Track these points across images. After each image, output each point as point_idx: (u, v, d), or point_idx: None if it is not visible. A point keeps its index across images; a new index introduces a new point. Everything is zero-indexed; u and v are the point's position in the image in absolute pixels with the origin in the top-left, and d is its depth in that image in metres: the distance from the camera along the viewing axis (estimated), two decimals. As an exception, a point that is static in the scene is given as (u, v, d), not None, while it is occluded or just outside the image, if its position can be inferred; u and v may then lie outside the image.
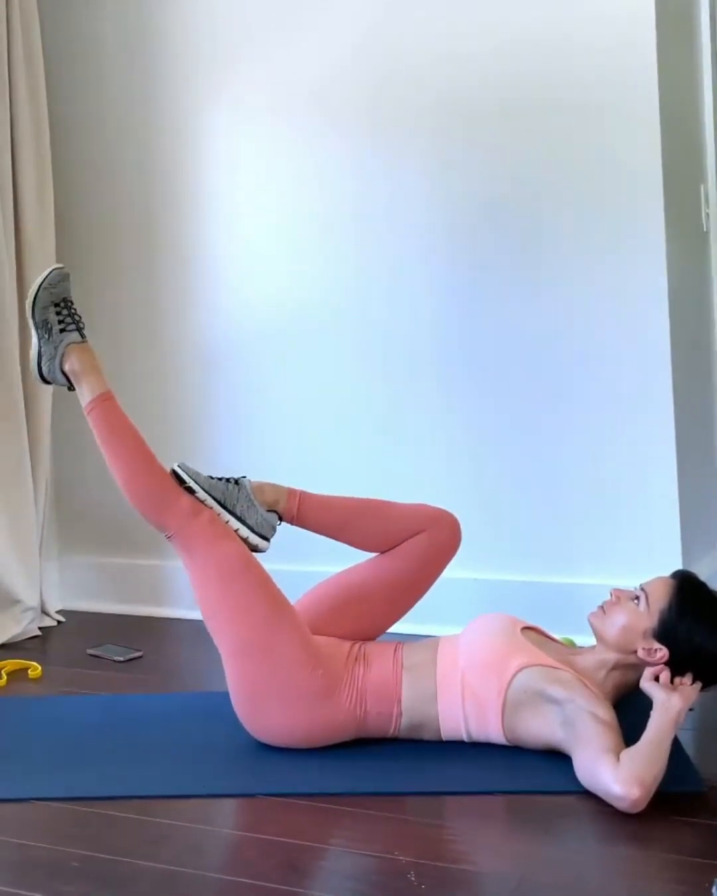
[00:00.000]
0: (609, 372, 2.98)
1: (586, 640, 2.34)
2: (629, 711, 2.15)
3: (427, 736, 2.27)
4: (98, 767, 2.26)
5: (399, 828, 1.96)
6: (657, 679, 2.12)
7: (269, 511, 2.43)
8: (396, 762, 2.21)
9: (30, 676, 2.93)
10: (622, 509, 2.98)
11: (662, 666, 2.14)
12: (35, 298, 2.47)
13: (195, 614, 2.36)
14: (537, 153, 3.02)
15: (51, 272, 2.49)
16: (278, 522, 2.45)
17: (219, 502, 2.38)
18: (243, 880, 1.78)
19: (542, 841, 1.90)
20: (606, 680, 2.22)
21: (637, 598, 2.23)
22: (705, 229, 3.49)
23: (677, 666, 2.14)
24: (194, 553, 2.34)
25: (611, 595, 2.28)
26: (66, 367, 2.47)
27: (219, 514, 2.37)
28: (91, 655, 3.10)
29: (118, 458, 2.40)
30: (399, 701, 2.24)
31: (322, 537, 2.52)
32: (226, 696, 2.32)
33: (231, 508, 2.39)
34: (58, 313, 2.48)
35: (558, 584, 3.01)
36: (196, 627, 2.36)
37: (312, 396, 3.34)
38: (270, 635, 2.25)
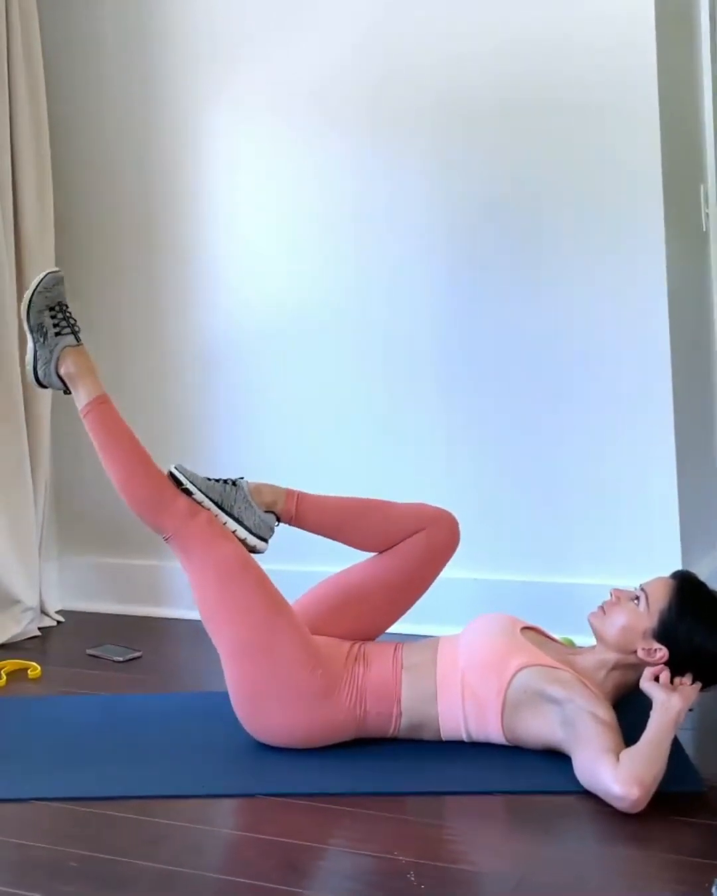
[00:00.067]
0: (609, 372, 2.98)
1: (585, 640, 2.34)
2: (629, 711, 2.15)
3: (427, 736, 2.27)
4: (97, 767, 2.26)
5: (399, 828, 1.96)
6: (656, 679, 2.12)
7: (267, 512, 2.42)
8: (395, 762, 2.21)
9: (29, 676, 2.93)
10: (622, 509, 2.98)
11: (662, 666, 2.14)
12: (30, 302, 2.47)
13: (195, 614, 2.36)
14: (537, 153, 3.02)
15: (45, 276, 2.49)
16: (277, 523, 2.45)
17: (216, 504, 2.38)
18: (242, 880, 1.78)
19: (542, 841, 1.90)
20: (606, 680, 2.21)
21: (637, 598, 2.23)
22: (704, 229, 3.49)
23: (676, 666, 2.14)
24: (192, 554, 2.34)
25: (611, 595, 2.28)
26: (62, 371, 2.47)
27: (216, 516, 2.37)
28: (90, 655, 3.10)
29: (115, 461, 2.40)
30: (399, 701, 2.24)
31: (321, 537, 2.52)
32: (225, 696, 2.32)
33: (229, 510, 2.38)
34: (53, 317, 2.48)
35: (557, 584, 3.01)
36: (195, 628, 2.36)
37: (312, 396, 3.34)
38: (269, 635, 2.25)
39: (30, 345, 2.48)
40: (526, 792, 2.07)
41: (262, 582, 2.31)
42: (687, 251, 3.25)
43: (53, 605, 3.55)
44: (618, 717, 2.10)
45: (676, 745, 2.10)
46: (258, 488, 2.44)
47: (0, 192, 3.35)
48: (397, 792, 2.10)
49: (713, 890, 1.65)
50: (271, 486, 2.46)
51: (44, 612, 3.48)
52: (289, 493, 2.46)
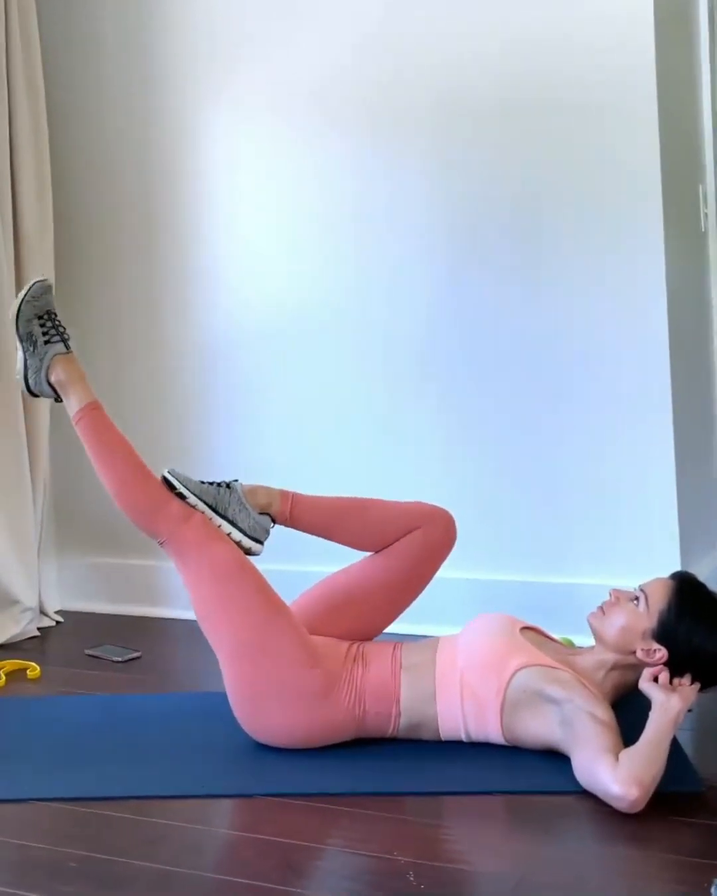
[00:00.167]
0: (609, 372, 2.98)
1: (585, 640, 2.34)
2: (628, 712, 2.14)
3: (426, 736, 2.27)
4: (97, 768, 2.26)
5: (398, 828, 1.96)
6: (656, 680, 2.12)
7: (262, 514, 2.42)
8: (394, 762, 2.21)
9: (28, 677, 2.92)
10: (621, 509, 2.98)
11: (661, 667, 2.14)
12: (18, 312, 2.47)
13: (193, 615, 2.36)
14: (537, 153, 3.02)
15: (33, 285, 2.49)
16: (272, 525, 2.45)
17: (210, 507, 2.38)
18: (241, 880, 1.78)
19: (541, 841, 1.90)
20: (605, 680, 2.21)
21: (637, 598, 2.23)
22: (703, 229, 3.49)
23: (676, 667, 2.14)
24: (187, 557, 2.33)
25: (610, 595, 2.28)
26: (53, 379, 2.47)
27: (211, 519, 2.37)
28: (89, 656, 3.10)
29: (108, 468, 2.40)
30: (398, 701, 2.24)
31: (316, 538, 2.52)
32: (224, 696, 2.32)
33: (223, 512, 2.38)
34: (42, 325, 2.48)
35: (556, 585, 3.01)
36: (194, 628, 2.36)
37: (312, 396, 3.34)
38: (267, 636, 2.25)
39: (19, 354, 2.49)
40: (525, 792, 2.07)
41: (258, 583, 2.31)
42: (686, 251, 3.25)
43: (52, 606, 3.55)
44: (617, 717, 2.10)
45: (675, 746, 2.10)
46: (252, 490, 2.44)
47: (-1, 191, 3.36)
48: (396, 792, 2.10)
49: (713, 890, 1.65)
50: (266, 488, 2.46)
51: (43, 613, 3.48)
52: (283, 495, 2.46)
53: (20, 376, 2.49)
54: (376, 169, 3.22)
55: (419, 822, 1.98)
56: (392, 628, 2.53)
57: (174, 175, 3.51)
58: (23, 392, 2.53)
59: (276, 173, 3.36)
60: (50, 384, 2.48)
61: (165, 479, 2.40)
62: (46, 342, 2.47)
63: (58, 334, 2.48)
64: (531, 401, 3.07)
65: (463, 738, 2.25)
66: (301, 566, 2.95)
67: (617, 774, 1.93)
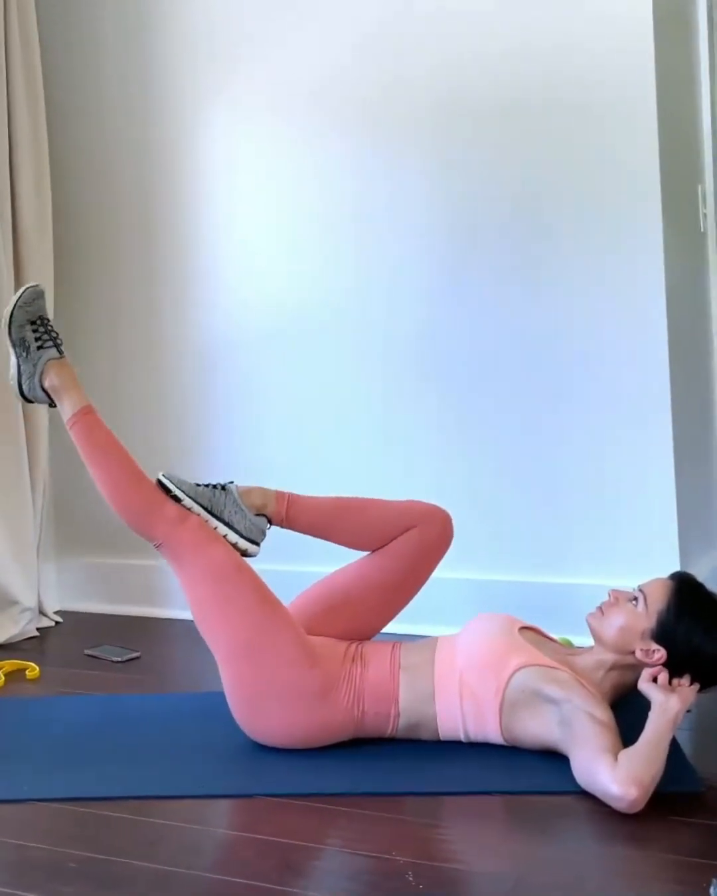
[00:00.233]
0: (609, 372, 2.98)
1: (584, 640, 2.34)
2: (627, 712, 2.14)
3: (425, 736, 2.27)
4: (96, 768, 2.26)
5: (396, 828, 1.96)
6: (655, 680, 2.12)
7: (258, 515, 2.42)
8: (393, 762, 2.21)
9: (27, 677, 2.92)
10: (620, 510, 2.98)
11: (660, 667, 2.14)
12: (11, 318, 2.47)
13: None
14: (537, 153, 3.02)
15: (25, 291, 2.49)
16: (268, 526, 2.45)
17: (206, 509, 2.38)
18: (240, 881, 1.78)
19: (540, 841, 1.90)
20: (604, 680, 2.21)
21: (635, 599, 2.23)
22: (702, 229, 3.49)
23: (675, 667, 2.14)
24: (183, 560, 2.33)
25: (609, 596, 2.28)
26: (46, 384, 2.47)
27: (207, 521, 2.37)
28: (88, 656, 3.10)
29: (102, 472, 2.41)
30: (397, 701, 2.24)
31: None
32: (223, 696, 2.32)
33: (218, 514, 2.38)
34: (34, 331, 2.48)
35: (556, 585, 3.01)
36: (193, 628, 2.36)
37: (312, 396, 3.34)
38: (265, 636, 2.25)
39: (12, 360, 2.49)
40: (524, 792, 2.07)
41: (255, 583, 2.31)
42: (685, 251, 3.25)
43: (51, 606, 3.55)
44: (616, 717, 2.10)
45: (674, 746, 2.09)
46: (248, 491, 2.44)
47: (-2, 192, 3.36)
48: (394, 792, 2.10)
49: (712, 890, 1.65)
50: (261, 489, 2.46)
51: (42, 613, 3.48)
52: (279, 495, 2.46)
53: (14, 382, 2.49)
54: (375, 169, 3.23)
55: (418, 823, 1.98)
56: (392, 628, 2.53)
57: (174, 175, 3.51)
58: (16, 399, 2.53)
59: (275, 173, 3.37)
60: (44, 389, 2.48)
61: (160, 483, 2.40)
62: (39, 347, 2.47)
63: (50, 339, 2.48)
64: (531, 401, 3.07)
65: (462, 738, 2.25)
66: (298, 566, 2.96)
67: (616, 774, 1.93)
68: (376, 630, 2.48)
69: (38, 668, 2.95)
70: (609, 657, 2.22)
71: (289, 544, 2.67)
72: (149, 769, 2.24)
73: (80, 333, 3.67)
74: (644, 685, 2.11)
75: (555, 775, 2.09)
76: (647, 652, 2.17)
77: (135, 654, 3.07)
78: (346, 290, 3.28)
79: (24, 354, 2.46)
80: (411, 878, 1.75)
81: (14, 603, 3.34)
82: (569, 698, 2.10)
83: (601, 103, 2.94)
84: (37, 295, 2.49)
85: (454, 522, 2.50)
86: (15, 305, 2.47)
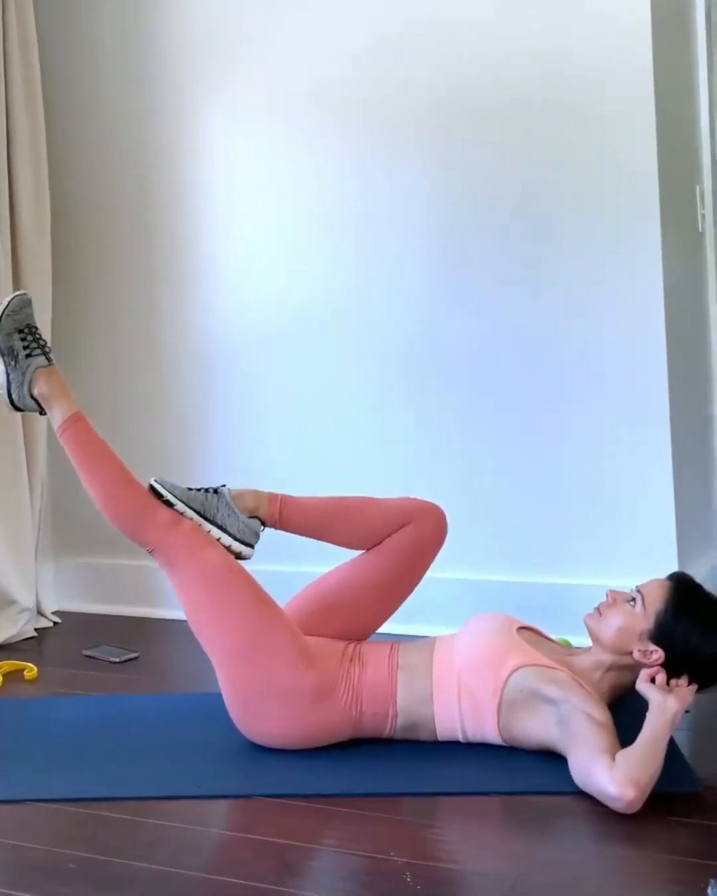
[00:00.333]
0: (609, 372, 2.98)
1: (582, 641, 2.34)
2: (625, 712, 2.14)
3: (423, 736, 2.27)
4: (94, 768, 2.26)
5: (394, 828, 1.96)
6: (652, 680, 2.12)
7: (251, 517, 2.42)
8: (391, 763, 2.21)
9: (26, 677, 2.92)
10: (619, 510, 2.98)
11: (658, 667, 2.14)
12: None
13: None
14: (537, 154, 3.02)
15: (12, 299, 2.49)
16: (262, 528, 2.44)
17: (199, 513, 2.38)
18: (238, 881, 1.78)
19: (537, 841, 1.89)
20: (601, 681, 2.21)
21: (633, 599, 2.23)
22: (700, 230, 3.49)
23: (673, 668, 2.14)
24: (176, 565, 2.33)
25: (607, 596, 2.28)
26: (36, 392, 2.47)
27: (200, 525, 2.37)
28: (87, 656, 3.10)
29: (93, 479, 2.41)
30: (395, 701, 2.24)
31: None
32: (221, 697, 2.32)
33: (212, 518, 2.38)
34: (22, 339, 2.47)
35: (554, 585, 3.01)
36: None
37: (312, 396, 3.34)
38: (261, 638, 2.25)
39: (1, 369, 2.48)
40: (522, 792, 2.07)
41: (250, 585, 2.31)
42: (683, 250, 3.25)
43: (50, 606, 3.55)
44: (614, 718, 2.10)
45: (672, 746, 2.09)
46: (240, 494, 2.44)
47: (-3, 193, 3.36)
48: (392, 793, 2.10)
49: (710, 890, 1.65)
50: (254, 491, 2.46)
51: (40, 613, 3.48)
52: (271, 497, 2.45)
53: (3, 391, 2.49)
54: (376, 169, 3.23)
55: (416, 823, 1.98)
56: (391, 629, 2.53)
57: (173, 175, 3.51)
58: (6, 407, 2.52)
59: (275, 173, 3.37)
60: (33, 397, 2.48)
61: (152, 488, 2.40)
62: (28, 356, 2.47)
63: (39, 347, 2.49)
64: (530, 401, 3.07)
65: (460, 738, 2.25)
66: (293, 567, 2.96)
67: (614, 775, 1.93)
68: (373, 629, 2.48)
69: (36, 669, 2.95)
70: (607, 658, 2.22)
71: (283, 545, 2.67)
72: (147, 770, 2.24)
73: (79, 334, 3.67)
74: (642, 686, 2.11)
75: (553, 775, 2.09)
76: (645, 652, 2.17)
77: (133, 655, 3.07)
78: (346, 290, 3.28)
79: (13, 363, 2.46)
80: (408, 879, 1.75)
81: (12, 603, 3.34)
82: (567, 698, 2.10)
83: (600, 104, 2.94)
84: (24, 303, 2.49)
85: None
86: (2, 314, 2.46)
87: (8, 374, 2.47)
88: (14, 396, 2.48)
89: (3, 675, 2.91)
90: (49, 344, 2.53)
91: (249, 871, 1.81)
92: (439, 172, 3.15)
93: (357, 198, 3.26)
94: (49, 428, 3.49)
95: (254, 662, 2.24)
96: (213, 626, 2.28)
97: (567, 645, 2.50)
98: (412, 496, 2.52)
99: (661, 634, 2.16)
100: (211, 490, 2.42)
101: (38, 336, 2.50)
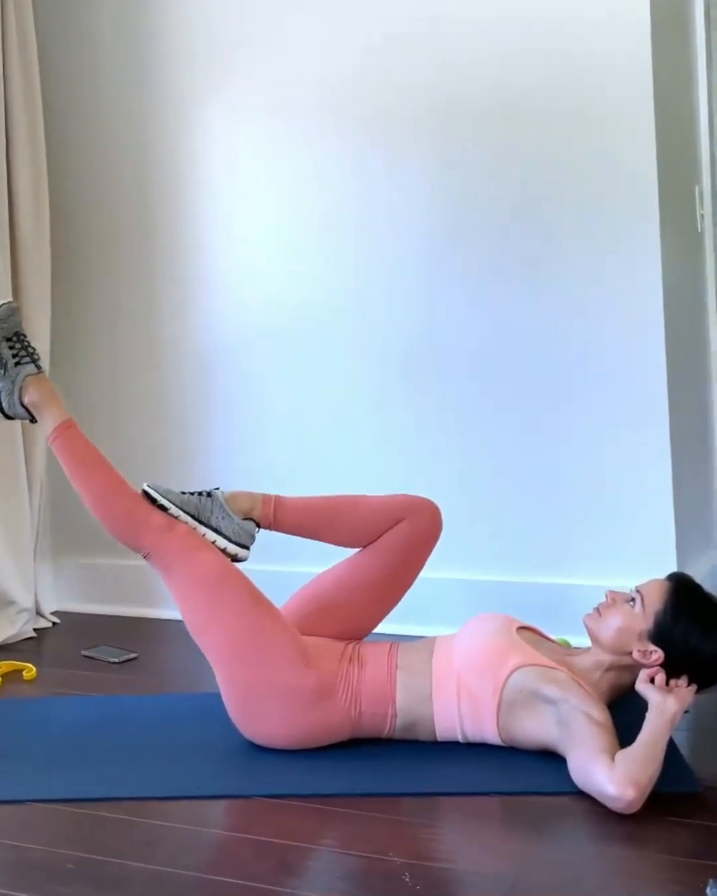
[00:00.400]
0: (608, 372, 2.98)
1: (581, 641, 2.33)
2: (624, 713, 2.14)
3: (422, 736, 2.26)
4: (93, 769, 2.26)
5: (393, 829, 1.95)
6: (652, 681, 2.11)
7: (245, 519, 2.42)
8: (390, 763, 2.21)
9: (24, 678, 2.92)
10: (619, 510, 2.98)
11: (657, 668, 2.14)
12: None
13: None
14: (537, 154, 3.02)
15: (0, 308, 2.49)
16: (257, 529, 2.44)
17: (193, 516, 2.38)
18: (237, 881, 1.78)
19: (537, 842, 1.89)
20: (601, 681, 2.21)
21: (633, 600, 2.23)
22: (699, 230, 3.49)
23: (672, 668, 2.14)
24: (171, 568, 2.33)
25: (607, 597, 2.27)
26: (26, 400, 2.47)
27: (195, 529, 2.37)
28: (86, 657, 3.09)
29: (86, 486, 2.41)
30: (394, 701, 2.23)
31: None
32: (220, 697, 2.31)
33: (206, 521, 2.38)
34: (11, 347, 2.47)
35: (554, 585, 3.01)
36: (191, 628, 2.36)
37: (312, 396, 3.34)
38: (260, 639, 2.24)
39: None
40: (521, 793, 2.07)
41: (246, 587, 2.31)
42: (682, 251, 3.25)
43: (49, 607, 3.55)
44: (613, 718, 2.10)
45: (671, 746, 2.09)
46: (234, 496, 2.44)
47: (-4, 194, 3.36)
48: (391, 793, 2.09)
49: (709, 890, 1.65)
50: (248, 493, 2.46)
51: (39, 614, 3.48)
52: (265, 499, 2.45)
53: None
54: (376, 169, 3.22)
55: (415, 823, 1.98)
56: (391, 630, 2.53)
57: (173, 175, 3.51)
58: None
59: (275, 173, 3.36)
60: (24, 405, 2.47)
61: (145, 493, 2.40)
62: (17, 364, 2.47)
63: (28, 355, 2.48)
64: (531, 401, 3.07)
65: (459, 738, 2.24)
66: (289, 567, 2.96)
67: (613, 775, 1.93)
68: (371, 628, 2.47)
69: (34, 669, 2.95)
70: (607, 658, 2.21)
71: (279, 545, 2.67)
72: (146, 770, 2.24)
73: (79, 334, 3.67)
74: (642, 686, 2.11)
75: (552, 776, 2.09)
76: (644, 653, 2.17)
77: (132, 655, 3.07)
78: (346, 290, 3.28)
79: (3, 371, 2.46)
80: (407, 879, 1.75)
81: (11, 603, 3.34)
82: (567, 698, 2.10)
83: (599, 105, 2.94)
84: (11, 311, 2.49)
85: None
86: None
87: None
88: (4, 405, 2.48)
89: (2, 676, 2.91)
90: (38, 352, 2.53)
91: (248, 871, 1.80)
92: (439, 172, 3.14)
93: (357, 198, 3.26)
94: (48, 428, 3.50)
95: (253, 664, 2.24)
96: (210, 628, 2.28)
97: (567, 645, 2.50)
98: (407, 492, 2.52)
99: (660, 635, 2.16)
100: (204, 493, 2.42)
101: (26, 344, 2.50)
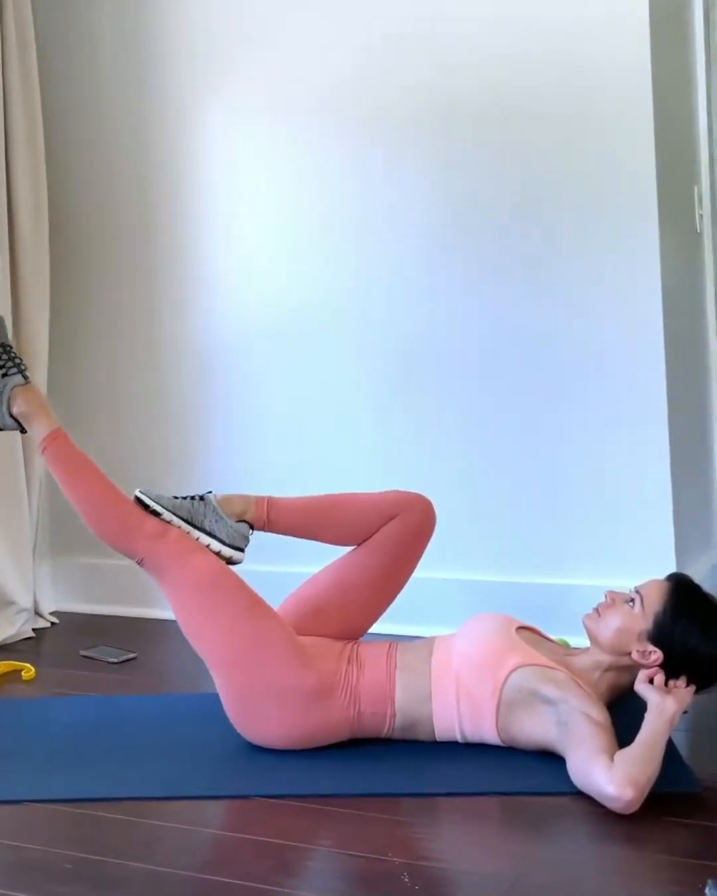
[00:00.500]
0: (607, 372, 2.98)
1: (581, 641, 2.33)
2: (624, 713, 2.14)
3: (421, 736, 2.26)
4: (91, 769, 2.26)
5: (392, 829, 1.95)
6: (651, 681, 2.11)
7: (239, 521, 2.41)
8: (389, 763, 2.20)
9: (23, 678, 2.92)
10: (618, 510, 2.97)
11: (656, 668, 2.14)
12: None
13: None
14: (537, 154, 3.02)
15: None
16: (251, 531, 2.44)
17: (186, 520, 2.38)
18: (236, 882, 1.77)
19: (536, 842, 1.89)
20: (600, 681, 2.21)
21: (632, 600, 2.22)
22: (698, 230, 3.49)
23: (671, 668, 2.13)
24: (166, 573, 2.33)
25: (606, 597, 2.27)
26: (15, 410, 2.47)
27: (188, 533, 2.37)
28: (84, 657, 3.09)
29: (78, 494, 2.40)
30: (393, 701, 2.23)
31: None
32: (219, 697, 2.31)
33: (200, 525, 2.38)
34: None
35: (553, 586, 3.00)
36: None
37: (312, 396, 3.34)
38: (257, 641, 2.24)
39: None
40: (520, 793, 2.07)
41: (241, 589, 2.30)
42: (681, 251, 3.25)
43: (47, 607, 3.55)
44: (613, 718, 2.10)
45: (670, 747, 2.09)
46: (227, 499, 2.43)
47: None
48: (390, 793, 2.09)
49: (708, 891, 1.65)
50: (241, 496, 2.45)
51: (38, 614, 3.48)
52: (258, 500, 2.45)
53: None
54: (376, 169, 3.22)
55: (414, 823, 1.97)
56: (390, 630, 2.52)
57: (172, 175, 3.51)
58: None
59: (275, 173, 3.36)
60: (12, 416, 2.47)
61: (138, 499, 2.39)
62: (4, 375, 2.47)
63: (15, 366, 2.49)
64: (531, 401, 3.07)
65: (458, 738, 2.24)
66: (284, 567, 2.96)
67: (612, 775, 1.92)
68: (367, 627, 2.47)
69: (33, 669, 2.95)
70: (606, 658, 2.21)
71: (273, 546, 2.67)
72: (145, 770, 2.24)
73: (79, 335, 3.67)
74: (641, 686, 2.11)
75: (551, 776, 2.09)
76: (643, 653, 2.16)
77: (131, 655, 3.07)
78: (346, 290, 3.28)
79: None
80: (406, 879, 1.75)
81: (10, 603, 3.34)
82: (566, 698, 2.10)
83: (599, 106, 2.94)
84: None
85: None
86: None
87: None
88: None
89: (1, 676, 2.91)
90: (25, 363, 2.53)
91: (247, 871, 1.80)
92: (439, 172, 3.14)
93: (357, 198, 3.26)
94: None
95: (251, 665, 2.23)
96: (207, 631, 2.28)
97: (566, 645, 2.50)
98: (399, 489, 2.51)
99: (659, 635, 2.16)
100: (197, 497, 2.42)
101: (13, 355, 2.50)
